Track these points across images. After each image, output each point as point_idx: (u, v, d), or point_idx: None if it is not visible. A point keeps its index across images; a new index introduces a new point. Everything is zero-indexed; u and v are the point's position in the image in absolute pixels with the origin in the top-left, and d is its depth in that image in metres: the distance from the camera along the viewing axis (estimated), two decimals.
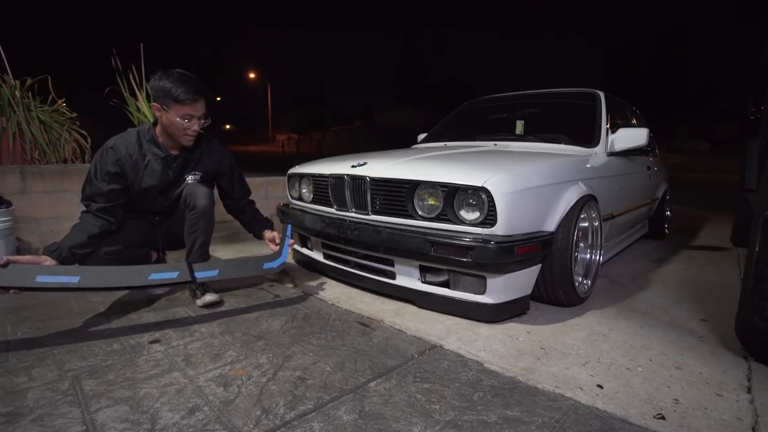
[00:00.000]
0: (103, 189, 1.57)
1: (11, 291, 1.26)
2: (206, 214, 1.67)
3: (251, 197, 2.01)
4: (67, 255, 1.44)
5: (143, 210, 1.77)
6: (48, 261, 1.39)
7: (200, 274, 1.54)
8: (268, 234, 1.90)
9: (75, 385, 1.08)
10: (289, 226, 1.90)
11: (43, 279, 1.28)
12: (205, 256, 1.71)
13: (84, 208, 1.59)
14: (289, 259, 1.86)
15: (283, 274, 2.11)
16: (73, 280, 1.31)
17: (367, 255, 1.77)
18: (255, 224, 1.95)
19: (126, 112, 2.82)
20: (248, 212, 1.97)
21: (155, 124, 1.69)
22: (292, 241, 1.84)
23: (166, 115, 1.60)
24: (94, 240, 1.52)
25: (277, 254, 1.77)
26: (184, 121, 1.60)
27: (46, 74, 2.74)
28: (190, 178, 1.76)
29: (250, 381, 1.11)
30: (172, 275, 1.48)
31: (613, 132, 2.19)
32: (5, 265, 1.24)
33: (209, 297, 1.65)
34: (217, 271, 1.58)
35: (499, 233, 1.41)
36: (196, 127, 1.63)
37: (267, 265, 1.72)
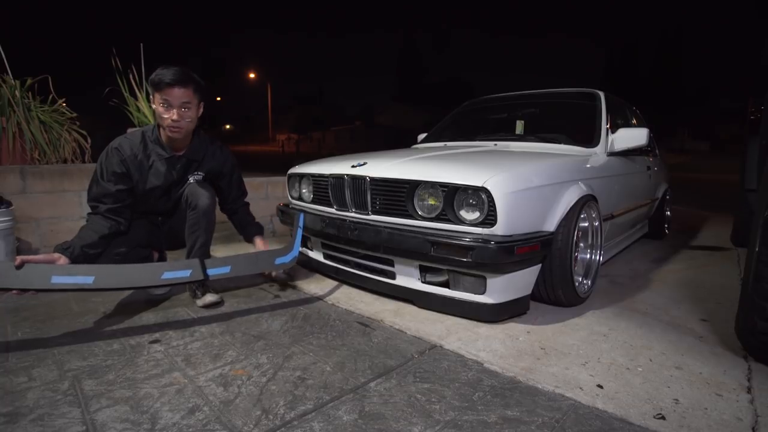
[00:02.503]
0: (111, 190, 1.57)
1: (30, 293, 1.24)
2: (208, 214, 1.67)
3: (247, 198, 2.02)
4: (80, 254, 1.44)
5: (146, 210, 1.77)
6: (61, 259, 1.38)
7: (212, 271, 1.51)
8: (258, 241, 1.92)
9: (75, 385, 1.08)
10: (301, 216, 1.82)
11: (58, 280, 1.26)
12: (206, 256, 1.70)
13: (90, 210, 1.59)
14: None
15: (284, 273, 2.11)
16: (88, 280, 1.30)
17: (367, 255, 1.77)
18: (246, 227, 1.97)
19: (126, 112, 2.82)
20: (241, 214, 1.98)
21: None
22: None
23: (154, 107, 1.60)
24: (105, 240, 1.53)
25: (288, 248, 1.73)
26: (162, 107, 1.57)
27: (46, 74, 2.74)
28: (192, 179, 1.77)
29: (250, 381, 1.11)
30: (185, 274, 1.46)
31: (613, 132, 2.19)
32: (20, 266, 1.22)
33: (209, 297, 1.65)
34: (229, 267, 1.55)
35: (499, 233, 1.41)
36: (175, 116, 1.57)
37: (279, 260, 1.69)
